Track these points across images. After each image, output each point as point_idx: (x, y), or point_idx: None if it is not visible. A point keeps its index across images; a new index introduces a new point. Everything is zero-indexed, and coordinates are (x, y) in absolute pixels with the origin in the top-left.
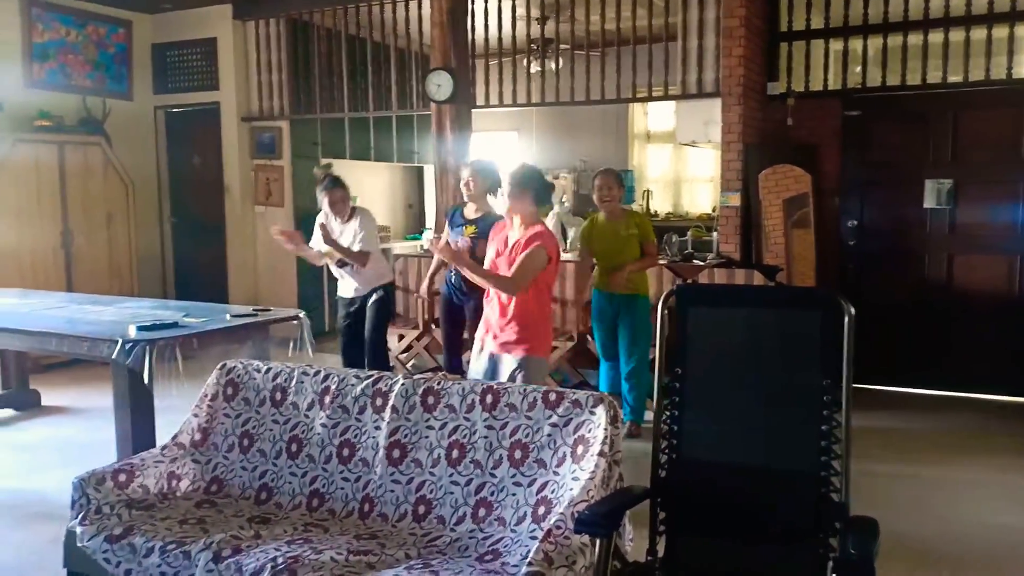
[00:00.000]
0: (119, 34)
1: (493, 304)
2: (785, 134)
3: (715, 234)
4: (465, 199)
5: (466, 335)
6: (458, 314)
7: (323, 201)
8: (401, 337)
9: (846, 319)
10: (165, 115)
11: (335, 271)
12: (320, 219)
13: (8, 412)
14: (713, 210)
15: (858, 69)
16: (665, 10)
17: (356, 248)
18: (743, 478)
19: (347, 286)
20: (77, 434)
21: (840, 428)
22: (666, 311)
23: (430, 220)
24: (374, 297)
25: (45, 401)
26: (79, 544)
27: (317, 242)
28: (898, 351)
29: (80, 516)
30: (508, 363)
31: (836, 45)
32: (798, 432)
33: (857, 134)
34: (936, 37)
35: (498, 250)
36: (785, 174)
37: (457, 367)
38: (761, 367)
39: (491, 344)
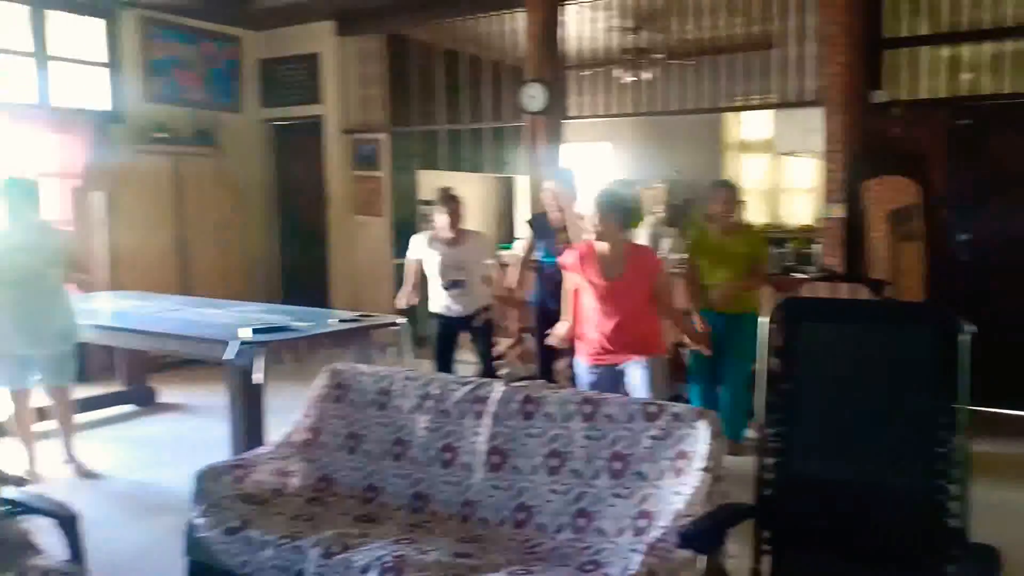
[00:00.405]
0: (229, 50)
1: (599, 320)
2: (890, 144)
3: (817, 246)
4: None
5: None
6: (553, 321)
7: (440, 217)
8: (494, 345)
9: (963, 337)
10: (272, 128)
11: (440, 292)
12: (422, 238)
13: (127, 408)
14: (814, 221)
15: (968, 76)
16: (762, 18)
17: (487, 271)
18: (852, 498)
19: (448, 304)
20: (190, 430)
21: (956, 451)
22: (773, 325)
23: (520, 230)
24: (484, 317)
25: (161, 398)
26: (199, 535)
27: (413, 254)
28: (1017, 372)
29: (200, 508)
30: (635, 367)
31: (944, 51)
32: (910, 453)
33: (968, 144)
34: None
35: (592, 280)
36: (891, 185)
37: (547, 374)
38: (872, 384)
39: (608, 356)
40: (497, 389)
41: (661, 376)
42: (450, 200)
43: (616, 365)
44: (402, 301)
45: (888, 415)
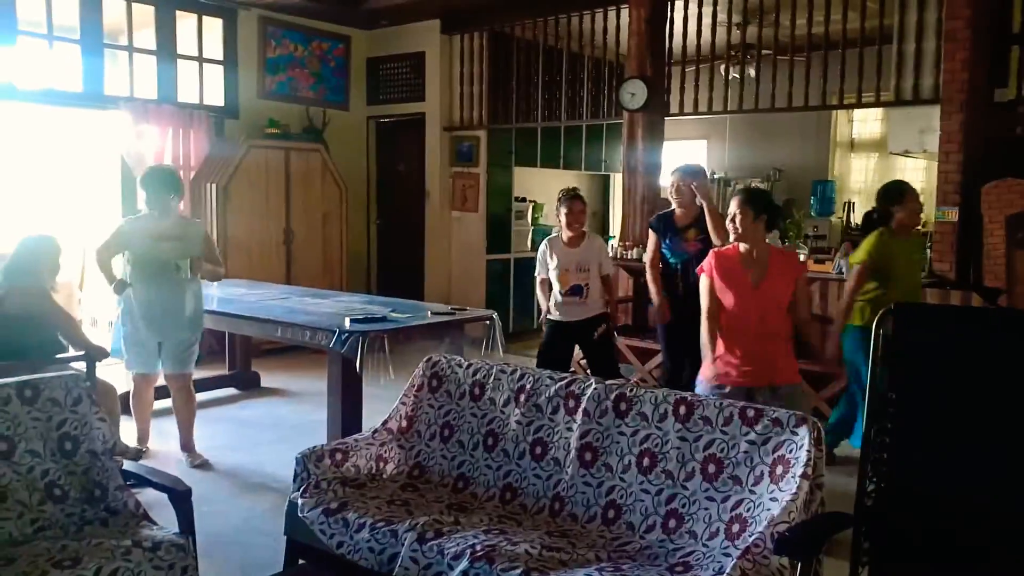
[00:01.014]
0: (339, 49)
1: (734, 332)
2: (1014, 145)
3: (928, 251)
4: (674, 206)
5: None
6: (682, 329)
7: (561, 213)
8: (630, 348)
9: None
10: (376, 124)
11: (558, 298)
12: (543, 247)
13: (231, 391)
14: (924, 224)
15: None
16: (879, 12)
17: (606, 272)
18: (960, 513)
19: (570, 311)
20: (290, 414)
21: None
22: (882, 331)
23: (614, 228)
24: (603, 328)
25: (264, 383)
26: (300, 514)
27: (541, 270)
28: None
29: (301, 489)
30: (770, 394)
31: None
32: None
33: None
34: None
35: (737, 285)
36: (1011, 188)
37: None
38: (989, 396)
39: (740, 376)
40: (591, 385)
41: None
42: (573, 199)
43: (750, 387)
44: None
45: (1004, 431)
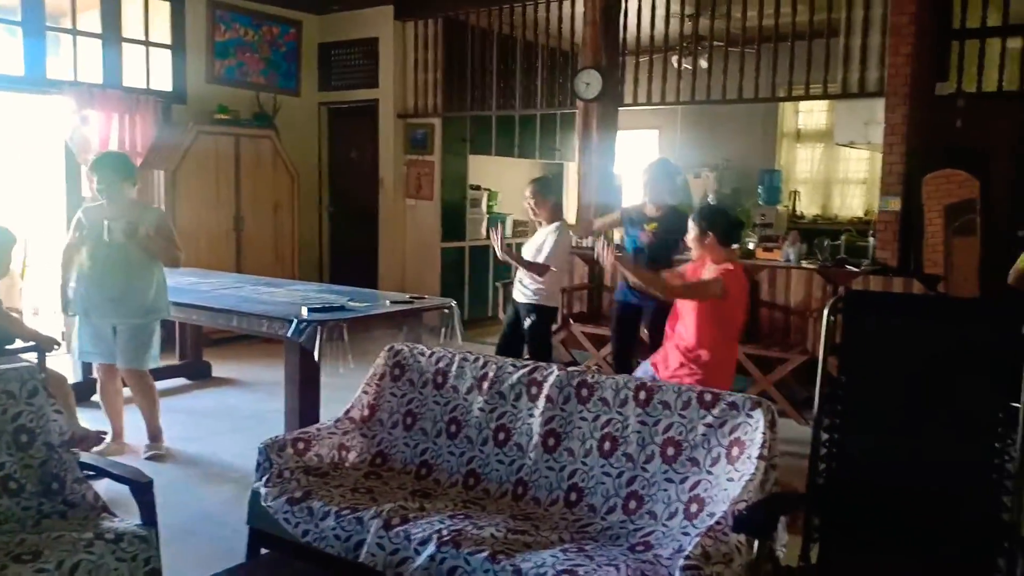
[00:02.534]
0: (290, 34)
1: (678, 335)
2: (953, 137)
3: (871, 239)
4: (646, 199)
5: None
6: (635, 318)
7: (532, 199)
8: (585, 335)
9: None
10: (328, 111)
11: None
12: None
13: (182, 381)
14: (865, 214)
15: None
16: (827, 6)
17: (541, 258)
18: (905, 490)
19: (517, 290)
20: (243, 404)
21: (1014, 446)
22: (832, 318)
23: (571, 217)
24: (528, 322)
25: (215, 373)
26: (263, 504)
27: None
28: None
29: (264, 478)
30: None
31: (1014, 43)
32: (968, 448)
33: None
34: None
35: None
36: (949, 179)
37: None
38: (932, 379)
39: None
40: (553, 373)
41: None
42: (532, 183)
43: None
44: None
45: (947, 411)
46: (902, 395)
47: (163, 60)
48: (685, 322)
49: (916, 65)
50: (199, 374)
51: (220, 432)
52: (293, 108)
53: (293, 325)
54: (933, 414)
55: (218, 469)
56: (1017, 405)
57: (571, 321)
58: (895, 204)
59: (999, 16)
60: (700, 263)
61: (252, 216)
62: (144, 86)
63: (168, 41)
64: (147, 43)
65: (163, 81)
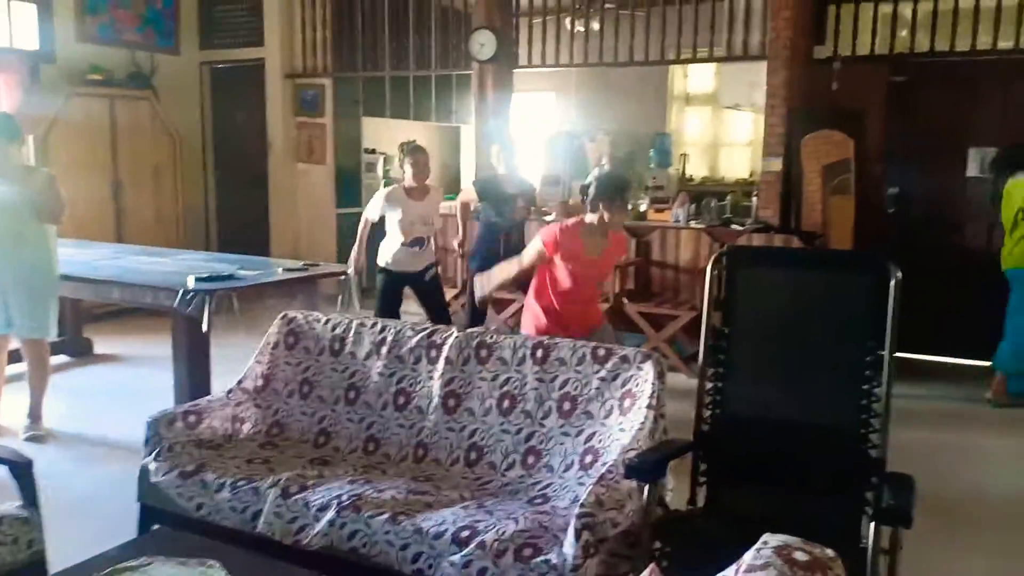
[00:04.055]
0: None
1: (563, 298)
2: (830, 99)
3: (754, 199)
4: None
5: None
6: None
7: (408, 165)
8: (510, 302)
9: (892, 282)
10: (211, 71)
11: (401, 245)
12: (382, 197)
13: (63, 359)
14: (750, 175)
15: (906, 33)
16: None
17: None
18: (784, 433)
19: (408, 261)
20: (130, 380)
21: (881, 387)
22: (715, 272)
23: (467, 180)
24: (433, 272)
25: (97, 349)
26: (152, 480)
27: (373, 212)
28: (937, 321)
29: (154, 453)
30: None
31: (885, 8)
32: (840, 391)
33: (903, 100)
34: (988, 2)
35: (575, 259)
36: (827, 139)
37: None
38: (807, 327)
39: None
40: (452, 335)
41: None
42: (418, 151)
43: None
44: (358, 263)
45: (821, 356)
46: (779, 343)
47: (28, 16)
48: (591, 285)
49: (795, 29)
50: (80, 351)
51: (105, 410)
52: (173, 68)
53: (179, 295)
54: (808, 360)
55: (104, 448)
56: (883, 352)
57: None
58: (776, 165)
59: None
60: (572, 226)
61: (131, 183)
62: (7, 44)
63: None
64: None
65: (29, 40)
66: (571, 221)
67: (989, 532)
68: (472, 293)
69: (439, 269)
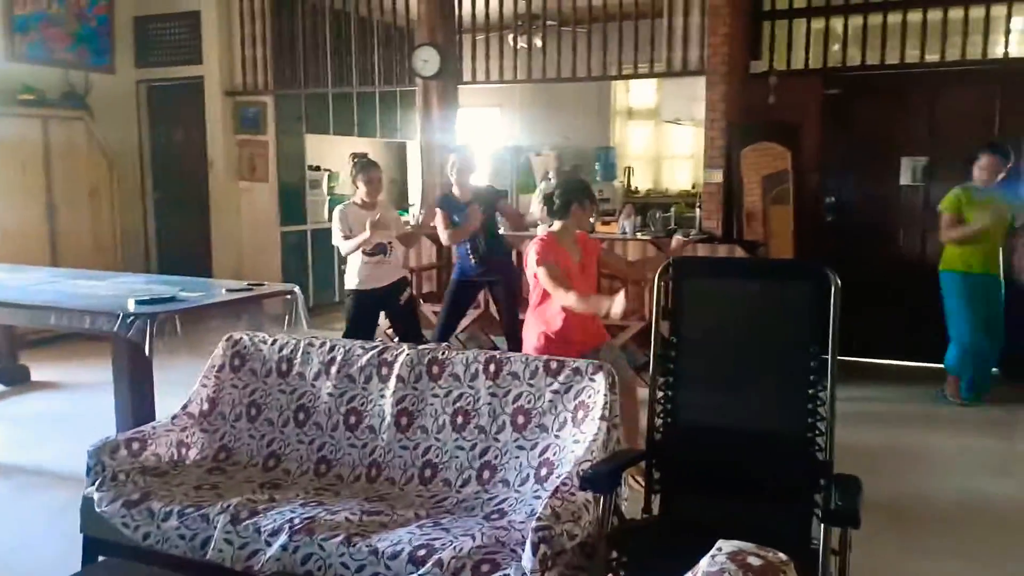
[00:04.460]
0: (100, 6)
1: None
2: (767, 112)
3: (698, 210)
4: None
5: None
6: (472, 296)
7: (362, 182)
8: (435, 314)
9: (832, 289)
10: (148, 89)
11: (363, 259)
12: (338, 217)
13: None
14: (693, 187)
15: (838, 48)
16: None
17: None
18: (734, 439)
19: (374, 276)
20: (69, 408)
21: (826, 392)
22: (662, 283)
23: (413, 195)
24: (407, 296)
25: (35, 376)
26: (97, 509)
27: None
28: (874, 324)
29: (96, 483)
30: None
31: (818, 24)
32: (786, 396)
33: (837, 112)
34: (915, 16)
35: (569, 268)
36: (765, 151)
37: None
38: (752, 335)
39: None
40: (403, 352)
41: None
42: (371, 168)
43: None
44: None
45: (767, 363)
46: (726, 351)
47: None
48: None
49: (732, 45)
50: (16, 379)
51: (45, 439)
52: (108, 87)
53: (120, 319)
54: (754, 367)
55: (45, 478)
56: (826, 357)
57: (420, 300)
58: (717, 176)
59: None
60: (549, 237)
61: (66, 206)
62: None
63: None
64: None
65: None
66: (543, 234)
67: (938, 532)
68: (449, 316)
69: (412, 291)
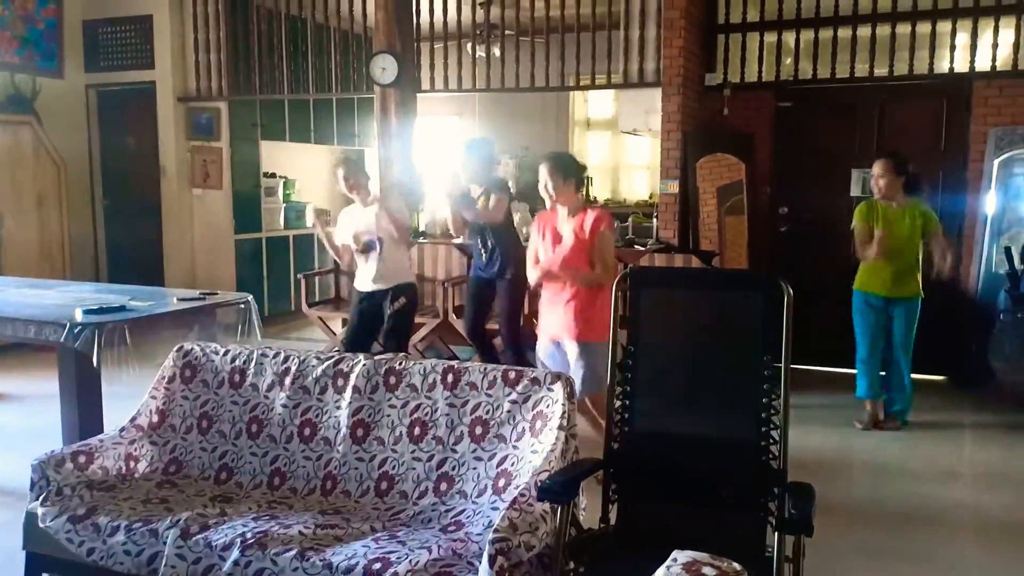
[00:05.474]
0: (49, 9)
1: (555, 292)
2: (721, 124)
3: (655, 220)
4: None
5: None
6: (489, 295)
7: (341, 181)
8: (420, 326)
9: (785, 299)
10: (98, 94)
11: (358, 258)
12: (344, 211)
13: None
14: (650, 197)
15: (790, 62)
16: None
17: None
18: (690, 448)
19: (365, 277)
20: (13, 420)
21: (779, 400)
22: (620, 292)
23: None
24: (398, 304)
25: None
26: (41, 525)
27: (343, 235)
28: (825, 333)
29: (40, 497)
30: (571, 348)
31: (770, 38)
32: (741, 405)
33: (789, 125)
34: (864, 32)
35: (550, 239)
36: (720, 162)
37: (491, 353)
38: (707, 345)
39: (554, 329)
40: (359, 363)
41: (603, 366)
42: (340, 165)
43: (558, 341)
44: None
45: (722, 372)
46: (682, 360)
47: None
48: (568, 272)
49: (687, 57)
50: None
51: None
52: (57, 91)
53: (66, 329)
54: (709, 376)
55: None
56: (779, 365)
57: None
58: (673, 187)
59: (757, 12)
60: (553, 214)
61: (13, 212)
62: None
63: None
64: None
65: None
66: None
67: (889, 536)
68: (470, 316)
69: (408, 304)
